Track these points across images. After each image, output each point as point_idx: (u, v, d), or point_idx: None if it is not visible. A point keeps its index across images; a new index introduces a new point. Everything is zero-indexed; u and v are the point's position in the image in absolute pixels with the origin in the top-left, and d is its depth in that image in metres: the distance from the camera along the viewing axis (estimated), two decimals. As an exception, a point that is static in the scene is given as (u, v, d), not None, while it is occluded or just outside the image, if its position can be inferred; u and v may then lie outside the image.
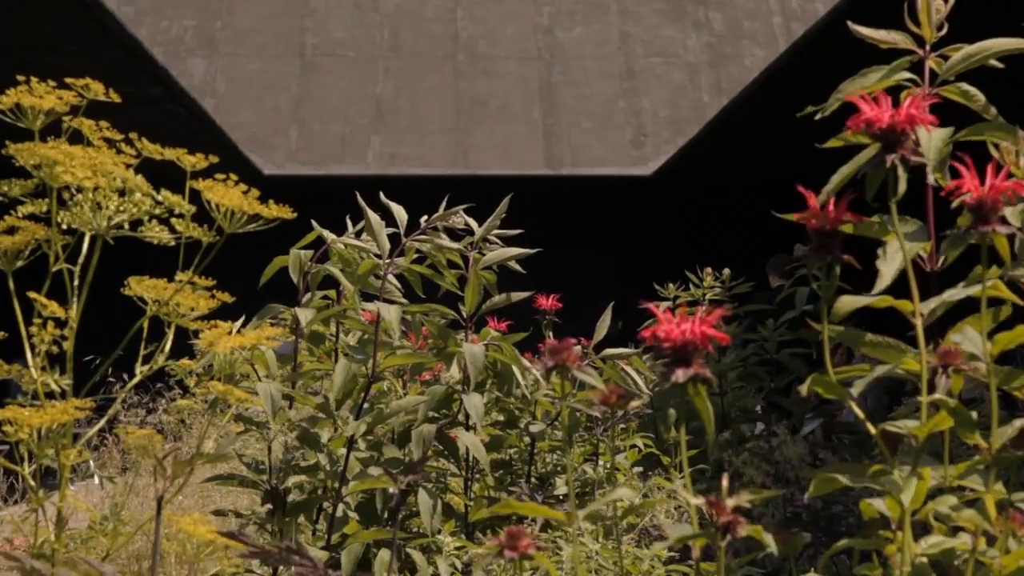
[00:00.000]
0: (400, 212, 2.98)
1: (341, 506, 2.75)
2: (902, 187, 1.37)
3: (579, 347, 1.39)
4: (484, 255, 3.12)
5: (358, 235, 3.00)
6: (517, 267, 3.13)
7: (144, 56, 9.12)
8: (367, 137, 14.89)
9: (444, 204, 3.04)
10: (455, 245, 3.02)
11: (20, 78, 1.47)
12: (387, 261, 2.91)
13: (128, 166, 1.48)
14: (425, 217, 2.99)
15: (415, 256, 3.00)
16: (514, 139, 14.95)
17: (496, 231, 3.17)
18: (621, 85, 15.77)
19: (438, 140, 14.90)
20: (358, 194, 2.96)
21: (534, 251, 3.13)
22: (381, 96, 15.40)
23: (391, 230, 2.95)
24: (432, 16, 16.45)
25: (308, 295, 2.92)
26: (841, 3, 7.82)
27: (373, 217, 2.91)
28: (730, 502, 1.29)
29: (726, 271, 6.11)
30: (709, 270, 5.89)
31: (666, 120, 15.29)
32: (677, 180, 14.30)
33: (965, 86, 1.64)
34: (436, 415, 3.07)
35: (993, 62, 1.64)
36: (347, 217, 3.07)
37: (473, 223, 3.14)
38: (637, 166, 14.71)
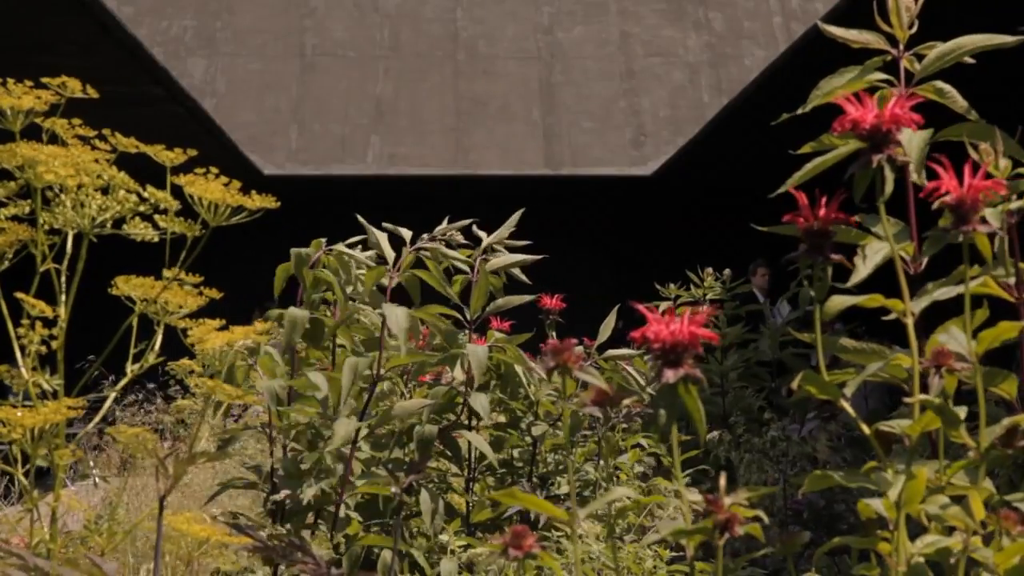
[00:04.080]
0: (405, 232, 3.08)
1: (343, 507, 2.76)
2: (889, 187, 1.36)
3: (581, 347, 1.38)
4: (491, 260, 3.16)
5: (352, 247, 3.06)
6: (522, 276, 3.17)
7: (144, 56, 9.12)
8: (367, 137, 14.88)
9: (446, 220, 3.13)
10: (457, 255, 3.06)
11: (-2, 80, 1.46)
12: (392, 267, 2.96)
13: (110, 162, 1.47)
14: (425, 236, 3.08)
15: (413, 265, 3.06)
16: (514, 139, 14.95)
17: (505, 241, 3.22)
18: (621, 85, 15.77)
19: (438, 140, 14.90)
20: (359, 216, 3.06)
21: (539, 257, 3.15)
22: (381, 96, 15.40)
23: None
24: (432, 16, 16.44)
25: (313, 297, 2.95)
26: (841, 3, 7.81)
27: (376, 232, 3.01)
28: (727, 500, 1.28)
29: (727, 271, 6.11)
30: (710, 270, 5.89)
31: (666, 120, 15.28)
32: (677, 180, 14.29)
33: (940, 84, 1.62)
34: (439, 417, 3.09)
35: (967, 59, 1.62)
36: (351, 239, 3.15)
37: (483, 233, 3.21)
38: (637, 166, 14.70)
